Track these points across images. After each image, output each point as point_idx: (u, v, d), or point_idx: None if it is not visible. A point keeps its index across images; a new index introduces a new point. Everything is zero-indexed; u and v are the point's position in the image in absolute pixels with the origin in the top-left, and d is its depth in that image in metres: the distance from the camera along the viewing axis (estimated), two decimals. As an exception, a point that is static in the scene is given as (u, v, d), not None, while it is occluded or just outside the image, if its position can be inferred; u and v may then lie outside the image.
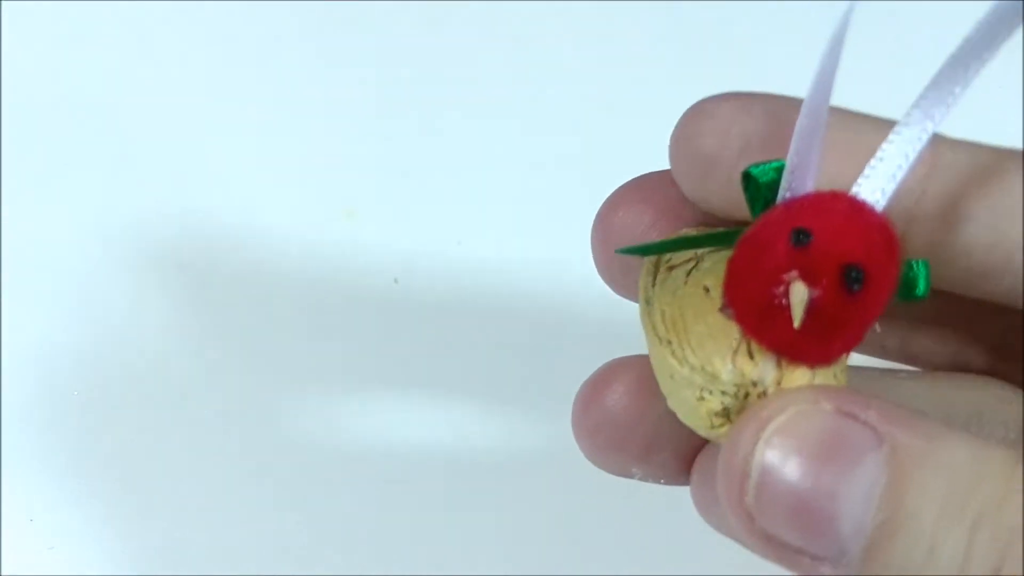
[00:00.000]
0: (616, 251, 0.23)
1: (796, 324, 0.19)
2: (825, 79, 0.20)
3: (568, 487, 0.38)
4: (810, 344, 0.20)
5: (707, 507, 0.24)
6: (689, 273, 0.21)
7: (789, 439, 0.18)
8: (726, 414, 0.20)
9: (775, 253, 0.19)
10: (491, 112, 0.47)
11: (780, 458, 0.18)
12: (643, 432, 0.23)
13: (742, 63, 0.46)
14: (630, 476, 0.24)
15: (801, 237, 0.19)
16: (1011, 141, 0.45)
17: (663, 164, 0.24)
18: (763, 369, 0.20)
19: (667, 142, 0.23)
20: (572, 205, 0.43)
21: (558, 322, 0.40)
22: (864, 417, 0.18)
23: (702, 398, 0.20)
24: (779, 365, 0.20)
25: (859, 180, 0.20)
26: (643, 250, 0.22)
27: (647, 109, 0.45)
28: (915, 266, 0.21)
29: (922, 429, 0.18)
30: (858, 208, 0.20)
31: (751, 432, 0.18)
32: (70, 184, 0.44)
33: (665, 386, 0.21)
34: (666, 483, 0.24)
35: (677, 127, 0.23)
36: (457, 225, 0.44)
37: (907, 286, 0.21)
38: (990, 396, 0.25)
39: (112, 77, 0.46)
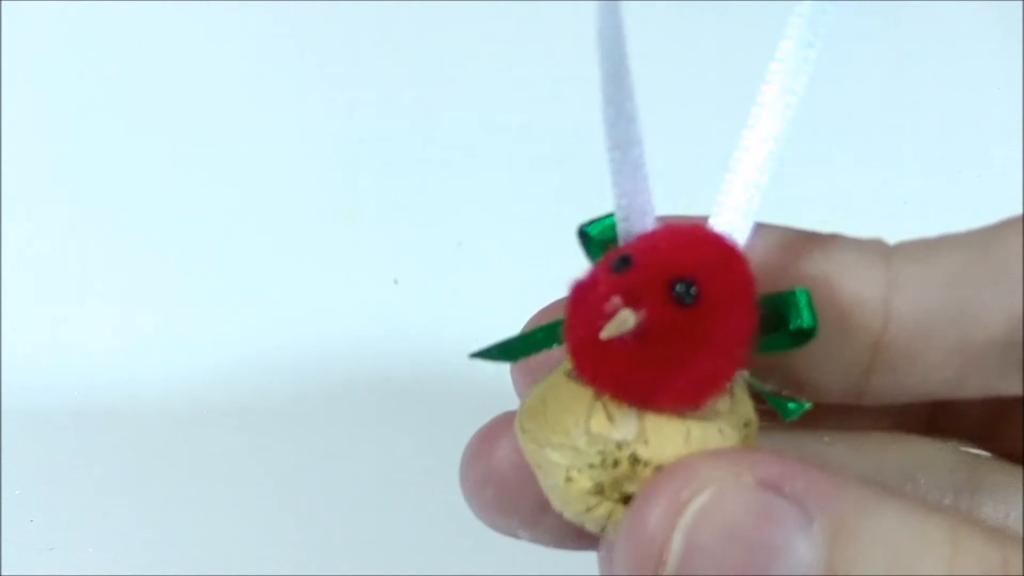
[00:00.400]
0: (470, 355, 0.20)
1: (603, 335, 0.17)
2: (618, 103, 0.18)
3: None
4: (658, 378, 0.18)
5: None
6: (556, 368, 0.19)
7: (710, 526, 0.16)
8: (600, 490, 0.18)
9: (596, 285, 0.18)
10: (492, 112, 0.47)
11: (701, 549, 0.16)
12: (533, 493, 0.20)
13: (742, 68, 0.46)
14: (516, 536, 0.22)
15: (622, 263, 0.18)
16: (1011, 142, 0.46)
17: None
18: (623, 426, 0.18)
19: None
20: (575, 205, 0.44)
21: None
22: (790, 489, 0.16)
23: (570, 479, 0.18)
24: (640, 418, 0.18)
25: (710, 220, 0.19)
26: (502, 352, 0.21)
27: (649, 108, 0.45)
28: (791, 297, 0.19)
29: (855, 499, 0.16)
30: (689, 228, 0.18)
31: (662, 516, 0.16)
32: (70, 183, 0.44)
33: (540, 482, 0.19)
34: (554, 547, 0.22)
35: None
36: (457, 225, 0.44)
37: (787, 319, 0.19)
38: (922, 456, 0.23)
39: (112, 76, 0.46)
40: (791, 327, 0.19)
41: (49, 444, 0.39)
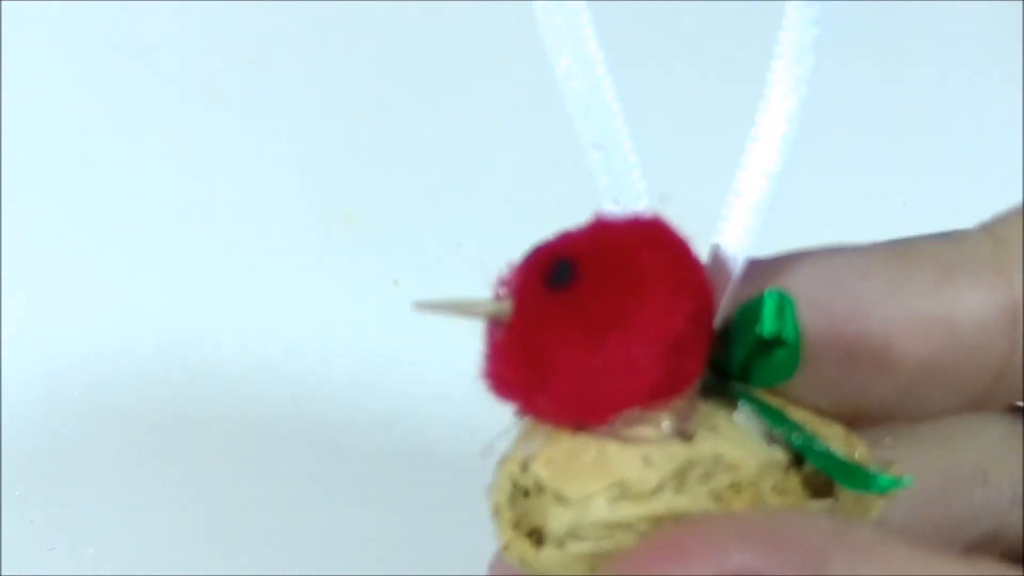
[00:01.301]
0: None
1: (471, 318, 0.15)
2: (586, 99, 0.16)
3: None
4: (534, 378, 0.15)
5: None
6: None
7: None
8: (517, 524, 0.16)
9: (497, 279, 0.16)
10: (493, 112, 0.47)
11: None
12: None
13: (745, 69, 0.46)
14: None
15: (528, 251, 0.16)
16: (1011, 142, 0.46)
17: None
18: (530, 442, 0.16)
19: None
20: (575, 205, 0.44)
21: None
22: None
23: (498, 511, 0.16)
24: (549, 436, 0.15)
25: (720, 226, 0.16)
26: None
27: (649, 110, 0.45)
28: (765, 300, 0.15)
29: None
30: (622, 216, 0.16)
31: None
32: (69, 183, 0.44)
33: None
34: None
35: None
36: (457, 225, 0.44)
37: (750, 327, 0.15)
38: (992, 444, 0.19)
39: (111, 77, 0.46)
40: (752, 337, 0.15)
41: (49, 444, 0.39)
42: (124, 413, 0.40)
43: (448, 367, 0.41)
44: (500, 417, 0.20)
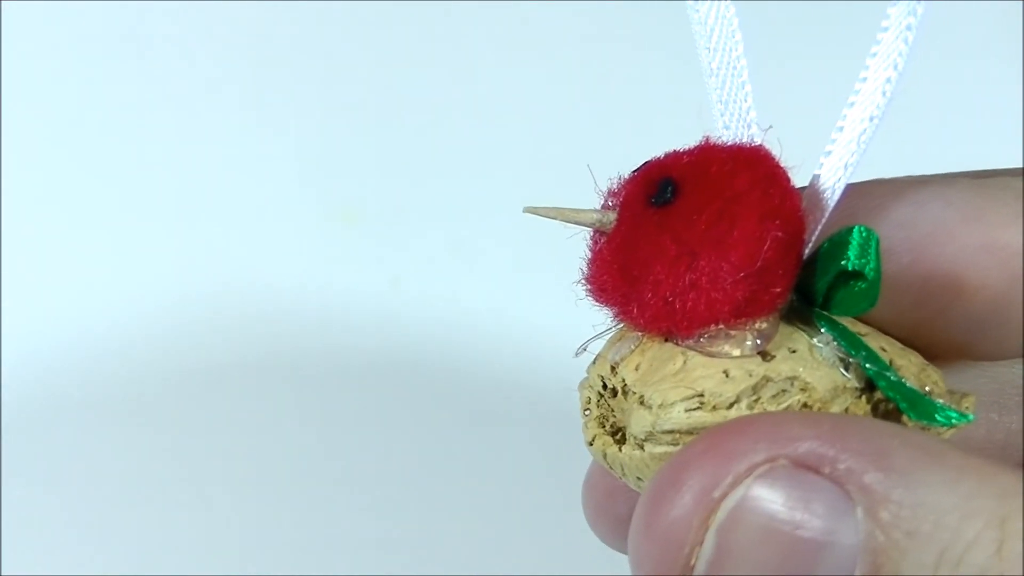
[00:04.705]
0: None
1: (572, 225, 0.16)
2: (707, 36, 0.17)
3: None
4: (629, 288, 0.16)
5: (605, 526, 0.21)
6: None
7: (746, 525, 0.14)
8: (602, 423, 0.17)
9: (609, 191, 0.17)
10: (492, 112, 0.47)
11: (737, 551, 0.14)
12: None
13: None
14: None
15: (638, 167, 0.17)
16: (1011, 142, 0.45)
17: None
18: (622, 347, 0.17)
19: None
20: (575, 205, 0.44)
21: (571, 320, 0.40)
22: (830, 470, 0.14)
23: (587, 410, 0.17)
24: (639, 342, 0.16)
25: (820, 160, 0.17)
26: None
27: (647, 114, 0.45)
28: (853, 234, 0.16)
29: (900, 473, 0.14)
30: (726, 142, 0.17)
31: (690, 515, 0.14)
32: (68, 180, 0.44)
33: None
34: None
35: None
36: (456, 226, 0.44)
37: (835, 256, 0.16)
38: None
39: (111, 77, 0.46)
40: (835, 267, 0.16)
41: (49, 444, 0.39)
42: (125, 412, 0.40)
43: (447, 364, 0.41)
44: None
